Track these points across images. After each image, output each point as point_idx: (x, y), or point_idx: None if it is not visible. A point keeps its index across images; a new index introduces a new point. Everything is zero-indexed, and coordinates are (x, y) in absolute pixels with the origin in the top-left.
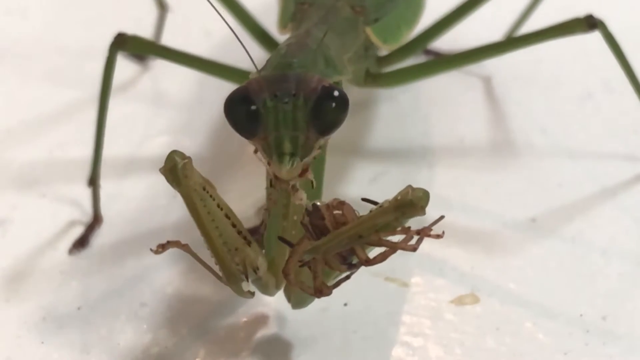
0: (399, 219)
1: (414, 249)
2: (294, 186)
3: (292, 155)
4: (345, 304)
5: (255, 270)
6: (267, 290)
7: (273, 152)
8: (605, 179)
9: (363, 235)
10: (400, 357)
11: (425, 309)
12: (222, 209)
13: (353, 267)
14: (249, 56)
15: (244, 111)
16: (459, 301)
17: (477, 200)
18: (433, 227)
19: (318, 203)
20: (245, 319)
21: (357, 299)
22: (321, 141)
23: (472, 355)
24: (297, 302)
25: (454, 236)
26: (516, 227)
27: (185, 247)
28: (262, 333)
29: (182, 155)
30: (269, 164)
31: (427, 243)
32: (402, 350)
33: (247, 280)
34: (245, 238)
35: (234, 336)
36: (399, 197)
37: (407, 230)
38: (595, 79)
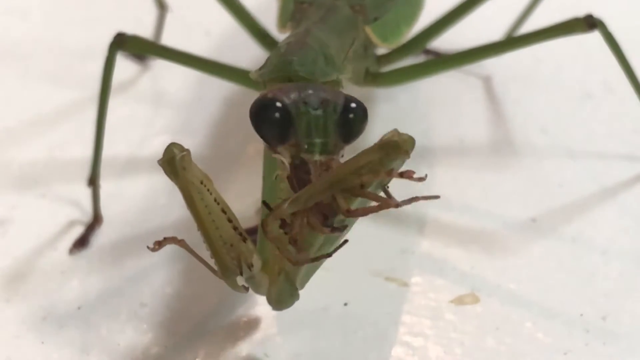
0: (383, 161)
1: (396, 205)
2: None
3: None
4: (345, 304)
5: (250, 267)
6: (260, 289)
7: (304, 155)
8: (605, 179)
9: (345, 180)
10: (400, 357)
11: (425, 309)
12: (218, 204)
13: (336, 230)
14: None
15: (275, 117)
16: (459, 301)
17: (477, 200)
18: (415, 172)
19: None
20: (245, 319)
21: (357, 299)
22: (344, 149)
23: (472, 355)
24: (278, 301)
25: (454, 236)
26: (516, 227)
27: (181, 243)
28: (262, 333)
29: (181, 148)
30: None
31: (427, 242)
32: (402, 350)
33: (242, 275)
34: (240, 235)
35: (234, 336)
36: (384, 138)
37: (390, 173)
38: (595, 79)
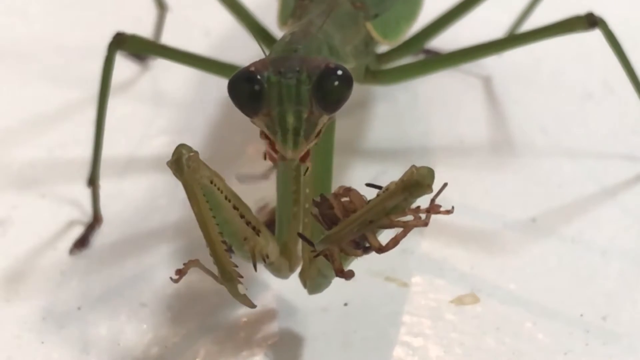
0: (408, 200)
1: (425, 224)
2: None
3: (296, 133)
4: (345, 304)
5: (265, 258)
6: (280, 273)
7: (277, 128)
8: (605, 179)
9: (374, 220)
10: (400, 357)
11: (425, 309)
12: (230, 201)
13: (368, 251)
14: (258, 44)
15: (248, 88)
16: (459, 301)
17: (477, 200)
18: (441, 205)
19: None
20: (245, 319)
21: (357, 299)
22: (325, 118)
23: (472, 355)
24: (312, 287)
25: (454, 236)
26: (516, 227)
27: (200, 265)
28: (262, 333)
29: (189, 149)
30: (272, 143)
31: (427, 242)
32: (402, 350)
33: (255, 270)
34: (254, 228)
35: (234, 336)
36: (404, 178)
37: (417, 210)
38: (595, 79)
